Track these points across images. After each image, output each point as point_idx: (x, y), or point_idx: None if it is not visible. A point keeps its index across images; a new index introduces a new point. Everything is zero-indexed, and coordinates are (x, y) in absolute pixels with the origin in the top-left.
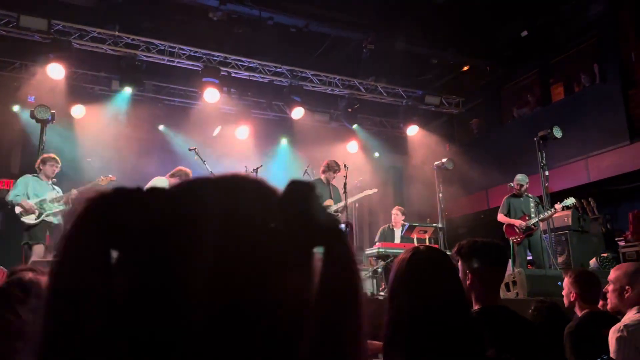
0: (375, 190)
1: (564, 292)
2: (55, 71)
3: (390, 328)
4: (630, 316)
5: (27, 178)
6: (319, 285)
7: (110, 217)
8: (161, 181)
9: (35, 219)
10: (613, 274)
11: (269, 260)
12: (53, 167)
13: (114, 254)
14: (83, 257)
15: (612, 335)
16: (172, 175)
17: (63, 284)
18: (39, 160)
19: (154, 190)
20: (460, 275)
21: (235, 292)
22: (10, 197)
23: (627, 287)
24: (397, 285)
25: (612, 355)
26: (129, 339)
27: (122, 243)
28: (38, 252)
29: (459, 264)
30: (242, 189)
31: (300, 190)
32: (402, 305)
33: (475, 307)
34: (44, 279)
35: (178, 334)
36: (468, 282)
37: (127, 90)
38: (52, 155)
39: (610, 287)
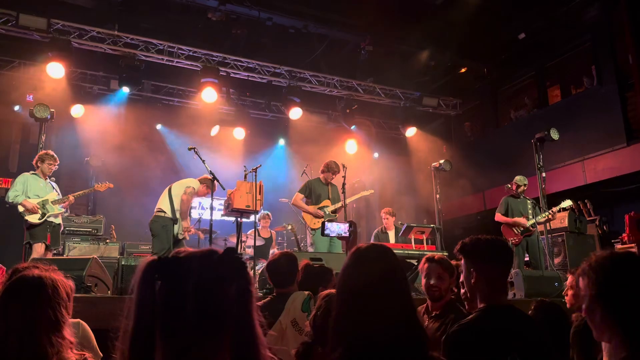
0: (372, 191)
1: (567, 292)
2: (55, 70)
3: (333, 323)
4: None
5: (25, 176)
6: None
7: (154, 273)
8: (193, 182)
9: (40, 219)
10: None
11: (216, 286)
12: (51, 166)
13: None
14: (143, 290)
15: None
16: (201, 182)
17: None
18: (37, 157)
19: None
20: (463, 274)
21: (202, 298)
22: (10, 197)
23: None
24: (338, 282)
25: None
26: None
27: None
28: (38, 250)
29: (462, 262)
30: (210, 260)
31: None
32: (341, 301)
33: (480, 305)
34: (49, 275)
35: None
36: (472, 281)
37: (125, 90)
38: (51, 152)
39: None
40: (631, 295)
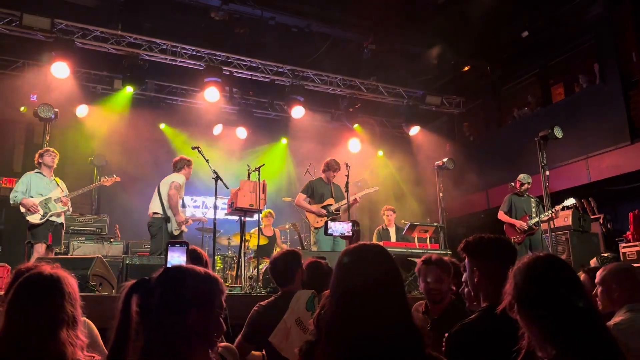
0: (377, 188)
1: None
2: (60, 70)
3: (326, 320)
4: (620, 315)
5: (29, 175)
6: None
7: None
8: (176, 176)
9: (40, 219)
10: (599, 275)
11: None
12: (52, 158)
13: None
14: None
15: None
16: (179, 169)
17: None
18: (37, 155)
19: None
20: (467, 272)
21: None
22: (11, 198)
23: (614, 286)
24: (333, 281)
25: None
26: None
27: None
28: (39, 251)
29: (466, 261)
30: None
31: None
32: (334, 300)
33: (484, 304)
34: (62, 274)
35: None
36: (475, 280)
37: (129, 89)
38: (48, 147)
39: (599, 289)
40: (547, 299)
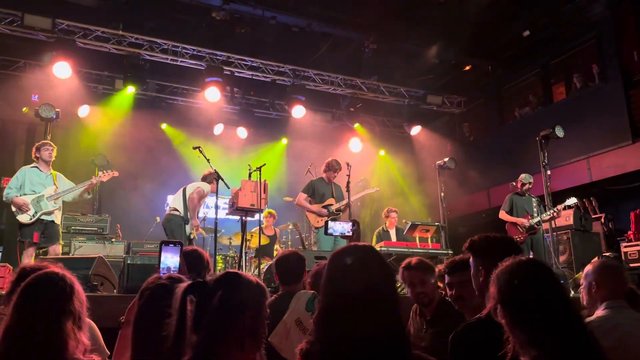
0: (377, 188)
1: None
2: (62, 70)
3: (317, 318)
4: (598, 312)
5: (24, 170)
6: None
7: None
8: (204, 184)
9: (30, 219)
10: (585, 270)
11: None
12: (48, 151)
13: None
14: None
15: None
16: (209, 182)
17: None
18: (33, 149)
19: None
20: (472, 271)
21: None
22: (4, 195)
23: (593, 283)
24: (325, 279)
25: None
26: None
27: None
28: (26, 249)
29: (471, 260)
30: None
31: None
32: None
33: (490, 304)
34: (69, 274)
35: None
36: (481, 279)
37: (130, 89)
38: (44, 140)
39: (582, 284)
40: (529, 303)
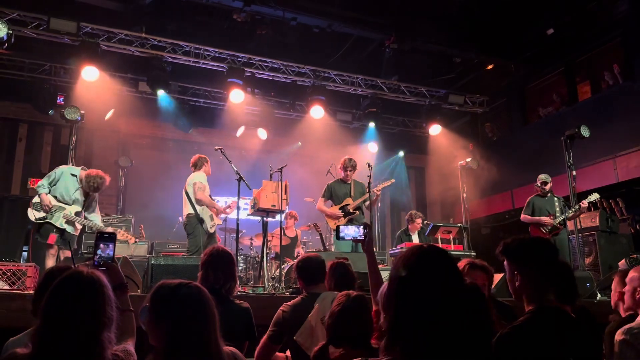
0: (392, 180)
1: (614, 293)
2: (89, 73)
3: (391, 326)
4: (638, 319)
5: (61, 169)
6: None
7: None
8: (196, 176)
9: (36, 219)
10: (630, 274)
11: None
12: (94, 186)
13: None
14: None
15: (617, 337)
16: (199, 168)
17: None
18: (85, 175)
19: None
20: (507, 275)
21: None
22: (37, 186)
23: (639, 288)
24: (400, 283)
25: (614, 357)
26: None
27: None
28: (52, 252)
29: (505, 264)
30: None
31: None
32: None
33: (529, 307)
34: (99, 274)
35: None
36: (517, 284)
37: (160, 93)
38: (96, 172)
39: (625, 289)
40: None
